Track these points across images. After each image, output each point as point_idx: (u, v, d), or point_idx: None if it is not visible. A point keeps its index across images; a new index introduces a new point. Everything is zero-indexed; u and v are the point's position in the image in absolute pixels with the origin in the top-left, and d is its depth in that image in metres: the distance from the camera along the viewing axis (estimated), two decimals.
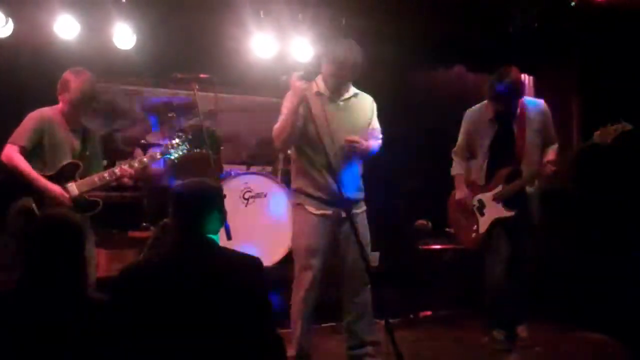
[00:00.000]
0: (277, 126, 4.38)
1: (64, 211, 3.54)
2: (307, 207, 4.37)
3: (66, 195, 4.45)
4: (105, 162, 5.70)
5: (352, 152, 4.32)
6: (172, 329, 2.68)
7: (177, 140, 4.86)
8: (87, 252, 4.49)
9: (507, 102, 4.91)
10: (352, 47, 4.35)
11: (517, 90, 4.91)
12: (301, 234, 4.41)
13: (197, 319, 2.70)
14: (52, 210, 3.91)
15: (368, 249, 4.35)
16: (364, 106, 4.55)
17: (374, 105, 4.60)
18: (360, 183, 4.52)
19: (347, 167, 4.36)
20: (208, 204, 2.92)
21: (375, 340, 4.43)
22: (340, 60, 4.31)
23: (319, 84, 4.40)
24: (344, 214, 4.23)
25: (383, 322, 3.80)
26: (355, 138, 4.32)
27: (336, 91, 4.42)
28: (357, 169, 4.48)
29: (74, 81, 4.50)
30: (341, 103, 4.45)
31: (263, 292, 2.90)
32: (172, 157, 4.86)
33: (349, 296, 4.44)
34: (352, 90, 4.51)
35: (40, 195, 4.40)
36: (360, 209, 4.46)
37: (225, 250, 2.93)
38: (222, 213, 2.99)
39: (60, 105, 4.57)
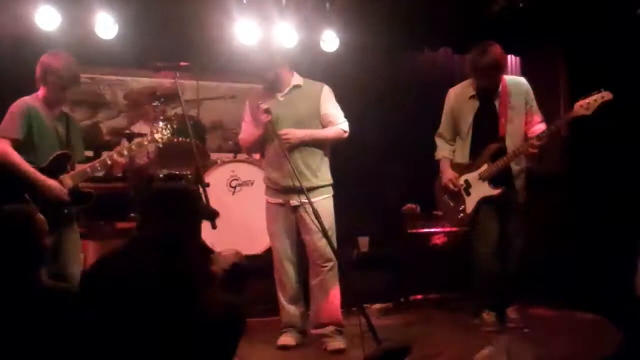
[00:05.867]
0: (242, 138, 4.81)
1: (13, 207, 3.28)
2: (266, 196, 4.79)
3: (64, 190, 4.34)
4: (91, 154, 5.67)
5: (288, 145, 4.48)
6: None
7: (161, 125, 4.84)
8: (70, 245, 4.44)
9: (489, 76, 4.90)
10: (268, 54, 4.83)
11: (499, 64, 4.91)
12: (266, 221, 4.80)
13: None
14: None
15: (332, 233, 4.46)
16: (310, 95, 4.66)
17: (325, 91, 4.69)
18: (320, 171, 4.64)
19: (297, 158, 4.52)
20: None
21: (336, 322, 4.60)
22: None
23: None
24: (295, 202, 4.54)
25: (367, 306, 3.79)
26: (285, 131, 4.50)
27: (271, 89, 4.67)
28: (313, 158, 4.61)
29: (55, 62, 4.40)
30: (281, 98, 4.64)
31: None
32: (159, 141, 4.82)
33: (312, 277, 4.66)
34: (295, 81, 4.67)
35: (35, 190, 4.25)
36: (320, 197, 4.57)
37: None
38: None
39: (40, 93, 4.46)
